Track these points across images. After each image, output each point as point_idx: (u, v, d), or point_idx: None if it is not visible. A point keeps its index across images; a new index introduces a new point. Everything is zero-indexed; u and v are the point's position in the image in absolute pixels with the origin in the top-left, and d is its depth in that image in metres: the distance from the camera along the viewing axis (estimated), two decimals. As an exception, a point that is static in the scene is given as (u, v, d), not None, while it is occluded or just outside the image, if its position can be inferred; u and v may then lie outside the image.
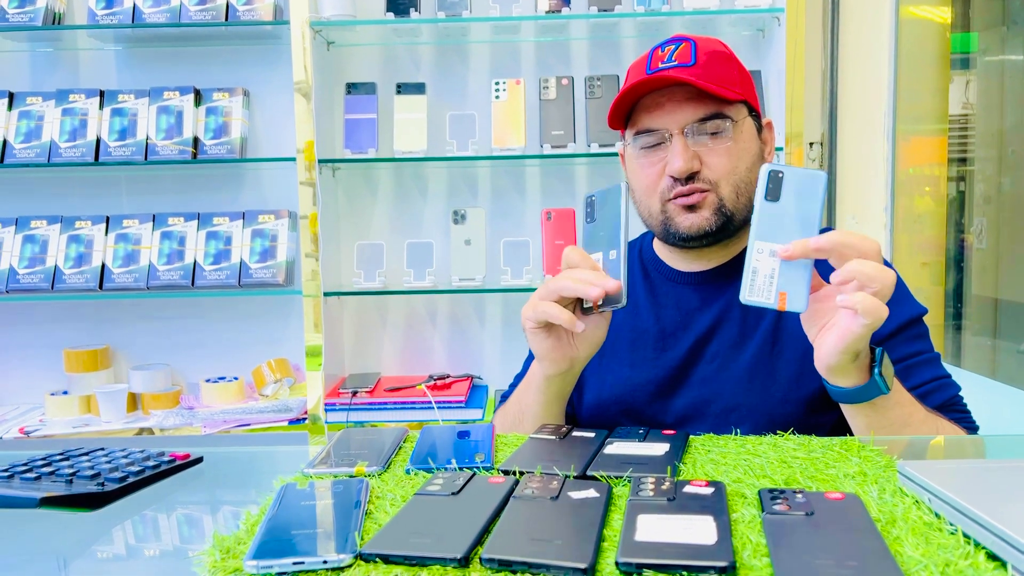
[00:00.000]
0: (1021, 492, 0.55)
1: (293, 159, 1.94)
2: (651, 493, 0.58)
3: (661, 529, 0.52)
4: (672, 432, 0.77)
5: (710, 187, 0.94)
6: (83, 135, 2.00)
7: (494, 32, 2.07)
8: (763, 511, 0.55)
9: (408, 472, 0.69)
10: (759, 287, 0.73)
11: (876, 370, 0.77)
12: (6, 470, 0.69)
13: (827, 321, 0.76)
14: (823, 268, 0.76)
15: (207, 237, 2.02)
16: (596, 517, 0.54)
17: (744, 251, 1.00)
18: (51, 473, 0.68)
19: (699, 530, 0.51)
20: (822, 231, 0.73)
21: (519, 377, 1.12)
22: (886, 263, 0.79)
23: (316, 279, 1.94)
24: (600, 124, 1.97)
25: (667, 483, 0.60)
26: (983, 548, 0.49)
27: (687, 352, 0.99)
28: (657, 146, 0.96)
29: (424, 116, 1.99)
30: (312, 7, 1.93)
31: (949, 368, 0.98)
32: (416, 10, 1.94)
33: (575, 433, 0.77)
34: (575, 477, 0.64)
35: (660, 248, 1.07)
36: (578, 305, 0.83)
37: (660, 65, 0.93)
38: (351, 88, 2.03)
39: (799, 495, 0.57)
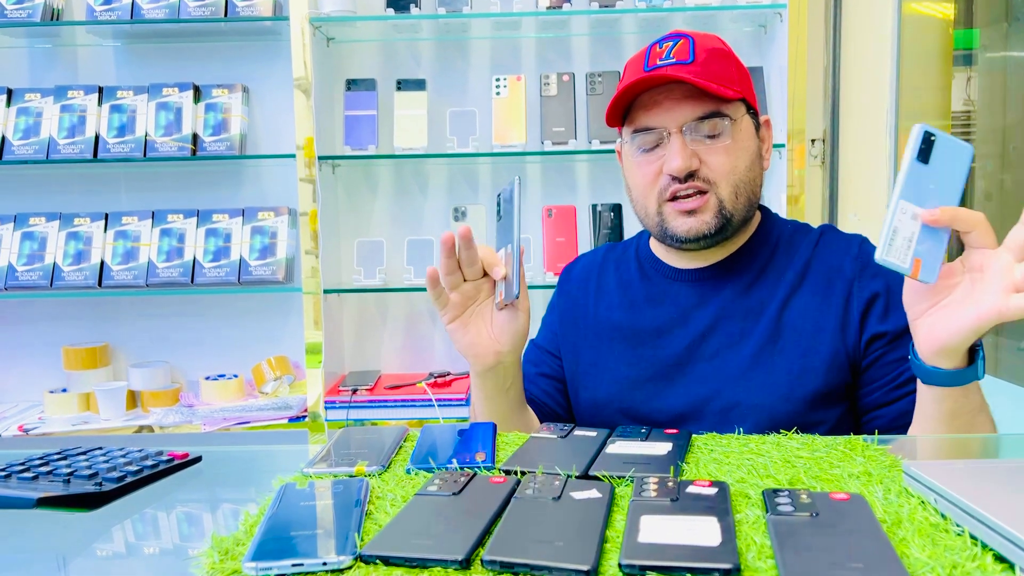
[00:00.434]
0: (1028, 493, 0.55)
1: (293, 156, 1.93)
2: (654, 493, 0.57)
3: (664, 530, 0.51)
4: (675, 431, 0.76)
5: (708, 187, 0.93)
6: (82, 132, 1.99)
7: (495, 28, 2.06)
8: (767, 512, 0.54)
9: (408, 472, 0.68)
10: (897, 248, 0.70)
11: (980, 352, 0.75)
12: (3, 470, 0.68)
13: (941, 299, 0.74)
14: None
15: (206, 234, 2.01)
16: (599, 518, 0.54)
17: (739, 251, 1.01)
18: (48, 473, 0.67)
19: (703, 531, 0.50)
20: None
21: None
22: None
23: (316, 276, 1.93)
24: (601, 120, 1.96)
25: (670, 483, 0.59)
26: (991, 550, 0.48)
27: (685, 350, 0.98)
28: (655, 148, 0.94)
29: (424, 113, 1.98)
30: (312, 3, 1.93)
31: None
32: (416, 6, 1.94)
33: (577, 432, 0.77)
34: (577, 477, 0.64)
35: (657, 246, 1.06)
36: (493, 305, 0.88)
37: (658, 62, 0.92)
38: (351, 84, 2.02)
39: (804, 495, 0.56)
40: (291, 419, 1.92)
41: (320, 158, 1.94)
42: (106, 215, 2.03)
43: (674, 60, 0.91)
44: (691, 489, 0.58)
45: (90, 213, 2.03)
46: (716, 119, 0.92)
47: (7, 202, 2.10)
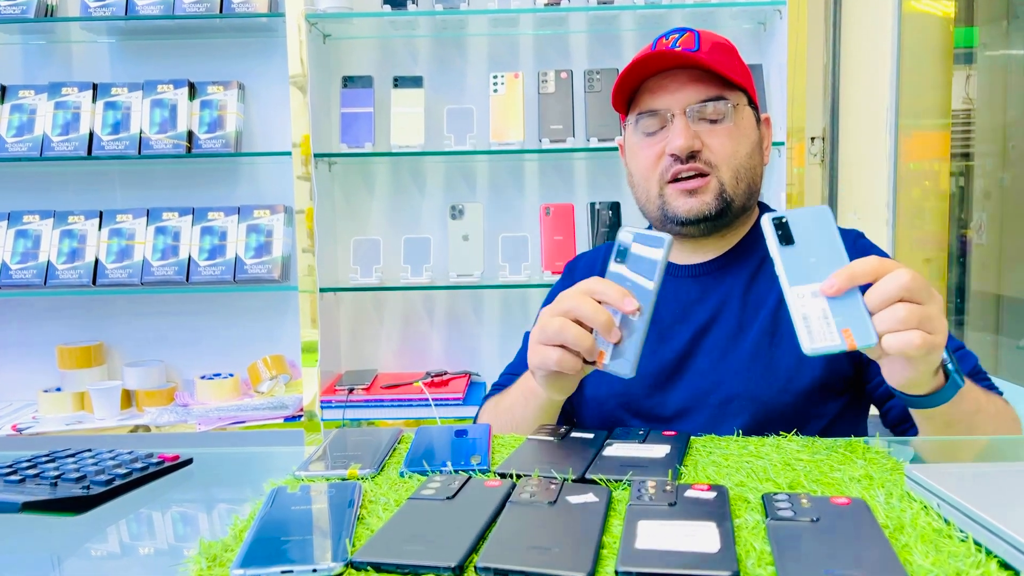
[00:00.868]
0: (1033, 497, 0.54)
1: (289, 153, 1.92)
2: (652, 498, 0.56)
3: (662, 536, 0.50)
4: (673, 433, 0.75)
5: (710, 169, 0.95)
6: (76, 129, 1.97)
7: (492, 25, 2.05)
8: (767, 516, 0.53)
9: (402, 475, 0.67)
10: (818, 332, 0.67)
11: (951, 368, 0.74)
12: (-10, 472, 0.67)
13: None
14: None
15: (202, 232, 2.00)
16: (595, 523, 0.53)
17: (737, 245, 1.02)
18: (36, 476, 0.66)
19: (702, 537, 0.50)
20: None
21: (513, 368, 1.10)
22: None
23: (312, 275, 1.92)
24: (599, 118, 1.95)
25: (668, 487, 0.58)
26: (995, 557, 0.47)
27: (686, 344, 0.98)
28: (658, 131, 0.96)
29: (421, 110, 1.97)
30: (308, -1, 1.91)
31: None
32: (413, 2, 1.92)
33: (574, 434, 0.76)
34: (574, 480, 0.63)
35: None
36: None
37: (664, 51, 0.94)
38: (347, 81, 2.01)
39: (804, 500, 0.55)
40: (287, 419, 1.91)
41: (316, 155, 1.93)
42: (100, 213, 2.02)
43: (680, 48, 0.94)
44: (689, 493, 0.57)
45: (84, 211, 2.02)
46: (720, 103, 0.95)
47: (0, 200, 2.09)
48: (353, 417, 1.91)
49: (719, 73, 0.94)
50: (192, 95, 2.01)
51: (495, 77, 1.98)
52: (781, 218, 0.70)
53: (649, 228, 1.05)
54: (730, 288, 0.99)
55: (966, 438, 0.80)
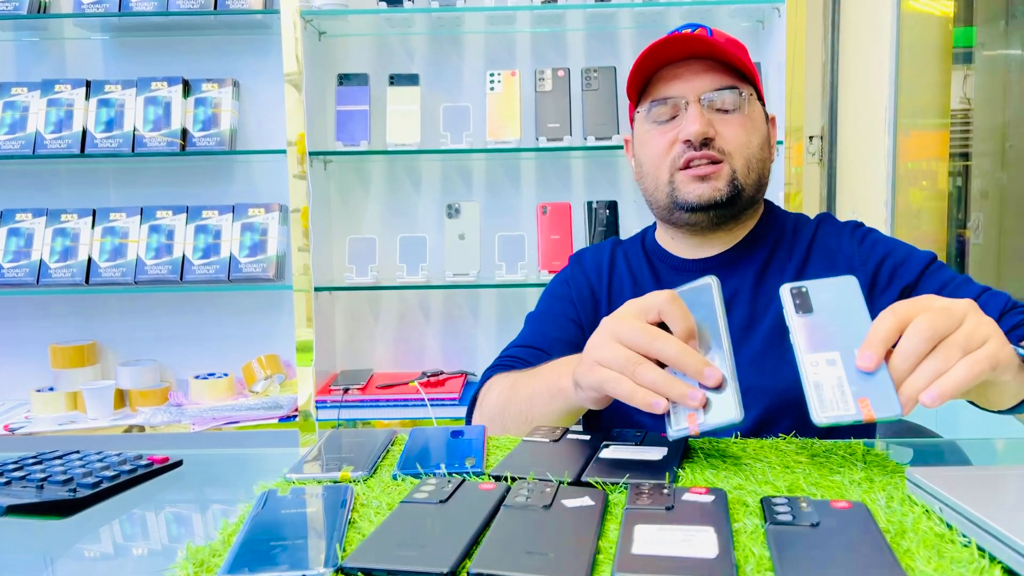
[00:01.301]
0: (1037, 501, 0.53)
1: (284, 151, 1.91)
2: (649, 501, 0.55)
3: (659, 541, 0.49)
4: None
5: (723, 156, 0.95)
6: (69, 126, 1.96)
7: (489, 22, 2.04)
8: (766, 521, 0.52)
9: (395, 478, 0.66)
10: (830, 401, 0.61)
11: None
12: (-26, 475, 0.65)
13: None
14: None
15: (196, 231, 1.98)
16: (591, 527, 0.52)
17: (745, 239, 1.02)
18: (22, 478, 0.65)
19: (699, 542, 0.48)
20: None
21: (514, 347, 1.04)
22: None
23: (307, 274, 1.91)
24: (597, 117, 1.94)
25: (665, 490, 0.57)
26: (999, 562, 0.46)
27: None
28: (670, 120, 0.97)
29: (417, 108, 1.96)
30: (303, -4, 1.90)
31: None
32: (409, 0, 1.91)
33: (570, 436, 0.75)
34: (569, 483, 0.62)
35: (664, 237, 1.07)
36: None
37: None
38: (343, 79, 1.99)
39: (803, 503, 0.55)
40: (282, 419, 1.90)
41: (311, 154, 1.91)
42: (93, 211, 2.00)
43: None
44: (687, 497, 0.56)
45: (77, 209, 2.00)
46: (733, 92, 0.96)
47: (-7, 198, 2.08)
48: (348, 417, 1.89)
49: (733, 64, 0.95)
50: (186, 92, 2.00)
51: (492, 75, 1.96)
52: (800, 288, 0.68)
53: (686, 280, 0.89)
54: (740, 282, 0.99)
55: (967, 439, 0.79)
